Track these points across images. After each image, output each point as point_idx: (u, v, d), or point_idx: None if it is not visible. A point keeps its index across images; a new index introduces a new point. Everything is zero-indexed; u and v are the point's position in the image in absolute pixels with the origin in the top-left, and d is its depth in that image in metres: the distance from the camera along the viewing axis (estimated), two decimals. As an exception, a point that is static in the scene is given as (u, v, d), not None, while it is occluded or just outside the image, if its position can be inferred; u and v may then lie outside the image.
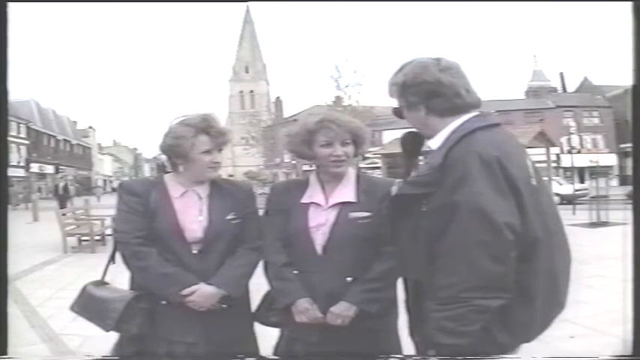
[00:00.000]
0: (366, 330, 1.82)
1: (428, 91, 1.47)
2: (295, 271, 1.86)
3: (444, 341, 1.31)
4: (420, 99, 1.48)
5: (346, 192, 1.89)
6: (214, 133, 1.89)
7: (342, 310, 1.80)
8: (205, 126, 1.88)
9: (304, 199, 1.91)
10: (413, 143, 1.60)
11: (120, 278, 1.97)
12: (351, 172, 1.94)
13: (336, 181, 1.90)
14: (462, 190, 1.31)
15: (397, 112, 1.59)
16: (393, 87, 1.54)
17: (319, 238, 1.85)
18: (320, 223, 1.86)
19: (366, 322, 1.81)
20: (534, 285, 1.37)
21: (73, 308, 1.95)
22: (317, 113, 2.03)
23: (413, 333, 1.57)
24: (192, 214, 1.89)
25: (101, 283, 1.97)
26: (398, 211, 1.51)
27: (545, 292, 1.39)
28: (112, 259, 1.97)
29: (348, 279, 1.83)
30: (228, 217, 1.91)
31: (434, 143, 1.49)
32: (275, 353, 1.93)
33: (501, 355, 1.40)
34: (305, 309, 1.80)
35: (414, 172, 1.53)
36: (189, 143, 1.86)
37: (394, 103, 1.59)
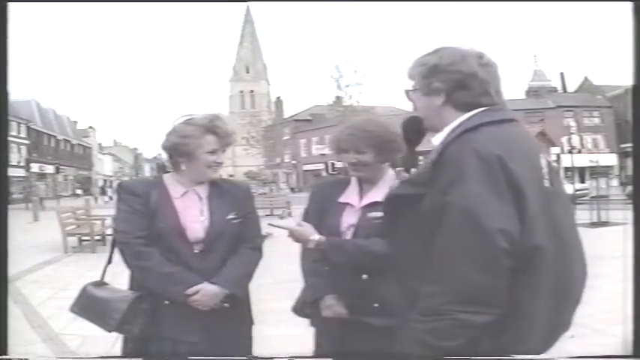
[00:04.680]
0: (386, 328, 1.84)
1: (458, 80, 1.35)
2: (327, 268, 1.92)
3: (425, 354, 1.21)
4: (446, 86, 1.36)
5: (379, 194, 1.93)
6: (221, 134, 1.90)
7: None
8: (213, 126, 1.89)
9: (341, 199, 1.98)
10: (416, 130, 1.49)
11: (119, 278, 1.97)
12: (390, 174, 1.99)
13: (372, 183, 1.97)
14: (454, 190, 1.20)
15: (409, 94, 1.45)
16: (421, 67, 1.40)
17: (349, 238, 1.92)
18: (351, 223, 1.93)
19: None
20: (534, 301, 1.22)
21: (73, 309, 1.95)
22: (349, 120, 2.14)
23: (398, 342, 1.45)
24: (194, 214, 1.89)
25: (101, 283, 1.97)
26: (395, 212, 1.39)
27: (549, 310, 1.25)
28: (110, 259, 1.97)
29: (364, 276, 1.87)
30: (229, 217, 1.92)
31: (437, 139, 1.37)
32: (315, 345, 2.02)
33: (501, 356, 1.29)
34: (330, 305, 1.87)
35: (413, 171, 1.49)
36: (196, 142, 1.87)
37: (408, 84, 1.45)
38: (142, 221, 1.86)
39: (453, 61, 1.36)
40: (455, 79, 1.35)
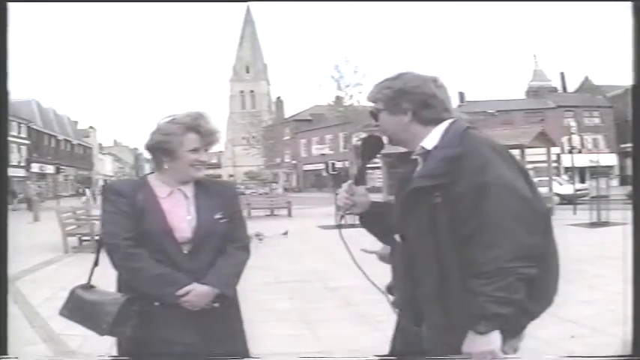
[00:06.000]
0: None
1: (422, 101, 1.61)
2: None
3: (497, 311, 1.39)
4: (413, 106, 1.61)
5: None
6: (204, 132, 1.89)
7: None
8: (195, 124, 1.89)
9: None
10: (373, 146, 1.75)
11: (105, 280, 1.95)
12: None
13: None
14: (488, 173, 1.45)
15: (374, 114, 1.69)
16: (387, 90, 1.65)
17: None
18: None
19: None
20: (550, 254, 1.51)
21: (62, 312, 1.93)
22: None
23: (441, 324, 1.53)
24: (181, 214, 1.89)
25: (88, 286, 1.94)
26: (410, 205, 1.57)
27: (556, 259, 1.54)
28: (96, 261, 1.95)
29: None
30: (217, 217, 1.91)
31: (428, 144, 1.60)
32: None
33: (505, 355, 1.44)
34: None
35: (420, 167, 1.60)
36: (177, 140, 1.86)
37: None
38: (128, 222, 1.85)
39: (416, 84, 1.62)
40: (419, 100, 1.61)
